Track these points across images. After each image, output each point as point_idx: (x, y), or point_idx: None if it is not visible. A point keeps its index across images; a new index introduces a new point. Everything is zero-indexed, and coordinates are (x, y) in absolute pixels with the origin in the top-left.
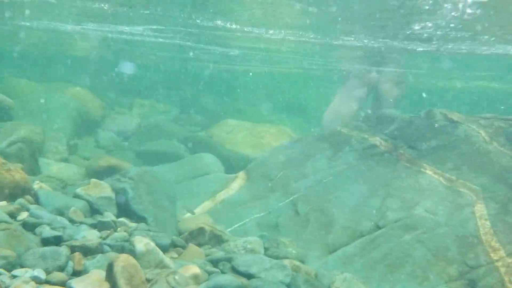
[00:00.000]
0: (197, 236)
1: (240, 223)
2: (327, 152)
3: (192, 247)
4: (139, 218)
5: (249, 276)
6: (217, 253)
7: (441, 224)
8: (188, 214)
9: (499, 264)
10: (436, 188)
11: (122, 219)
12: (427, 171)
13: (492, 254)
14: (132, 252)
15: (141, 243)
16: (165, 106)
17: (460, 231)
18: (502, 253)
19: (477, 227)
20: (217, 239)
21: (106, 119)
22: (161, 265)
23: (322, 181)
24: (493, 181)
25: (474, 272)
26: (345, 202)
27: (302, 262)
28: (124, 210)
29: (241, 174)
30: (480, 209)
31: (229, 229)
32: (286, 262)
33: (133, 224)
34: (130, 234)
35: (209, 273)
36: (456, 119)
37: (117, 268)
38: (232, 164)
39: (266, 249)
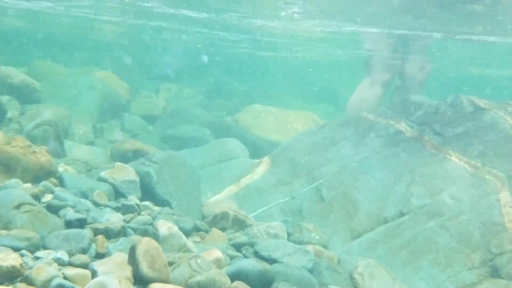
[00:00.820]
0: (221, 220)
1: (264, 208)
2: (352, 138)
3: (215, 231)
4: (163, 202)
5: (272, 261)
6: (240, 237)
7: (465, 211)
8: (213, 199)
9: None
10: (461, 175)
11: (146, 203)
12: (453, 158)
13: None
14: (155, 236)
15: (164, 226)
16: (192, 91)
17: (485, 218)
18: None
19: (502, 214)
20: (241, 224)
21: (132, 103)
22: (184, 248)
23: (347, 167)
24: None
25: (497, 259)
26: (370, 189)
27: (325, 247)
28: (149, 193)
29: (266, 159)
30: (505, 196)
31: (253, 214)
32: (309, 247)
33: (157, 208)
34: (154, 218)
35: (232, 258)
36: (483, 106)
37: (140, 251)
38: (258, 149)
39: (289, 234)
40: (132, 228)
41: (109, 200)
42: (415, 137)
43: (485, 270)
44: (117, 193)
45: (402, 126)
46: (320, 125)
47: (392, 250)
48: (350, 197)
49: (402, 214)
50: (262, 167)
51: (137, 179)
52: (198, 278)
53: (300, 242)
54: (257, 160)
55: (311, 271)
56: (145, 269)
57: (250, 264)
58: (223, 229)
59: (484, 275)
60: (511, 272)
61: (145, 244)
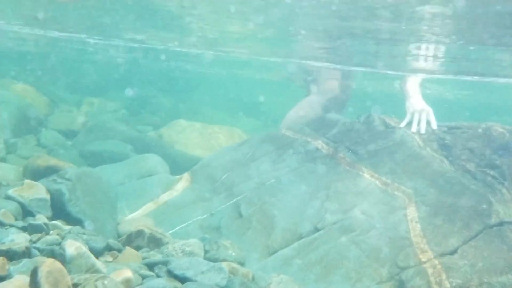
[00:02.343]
0: (136, 238)
1: (182, 225)
2: (271, 154)
3: (128, 250)
4: (76, 221)
5: (185, 279)
6: (155, 256)
7: (375, 226)
8: (130, 216)
9: (427, 265)
10: (373, 191)
11: (56, 222)
12: (365, 175)
13: (421, 256)
14: (62, 256)
15: (72, 246)
16: (115, 105)
17: (393, 233)
18: (430, 254)
19: (408, 229)
20: (157, 242)
21: (50, 117)
22: (92, 269)
23: (266, 183)
24: (425, 185)
25: (403, 273)
26: (287, 205)
27: (242, 264)
28: (60, 212)
29: (186, 175)
30: (412, 211)
31: (171, 232)
32: (224, 264)
33: (68, 227)
34: (63, 238)
35: (144, 277)
36: (393, 124)
37: (42, 273)
38: (181, 165)
39: (206, 251)
40: (38, 249)
41: (16, 219)
42: (330, 154)
43: (392, 284)
44: (26, 212)
45: (319, 143)
46: (241, 141)
47: (306, 265)
48: (267, 214)
49: (316, 230)
50: (182, 184)
51: (48, 197)
52: None
53: (216, 260)
54: (177, 176)
55: None
56: None
57: (161, 284)
58: (138, 248)
59: None
60: (416, 286)
61: (48, 265)
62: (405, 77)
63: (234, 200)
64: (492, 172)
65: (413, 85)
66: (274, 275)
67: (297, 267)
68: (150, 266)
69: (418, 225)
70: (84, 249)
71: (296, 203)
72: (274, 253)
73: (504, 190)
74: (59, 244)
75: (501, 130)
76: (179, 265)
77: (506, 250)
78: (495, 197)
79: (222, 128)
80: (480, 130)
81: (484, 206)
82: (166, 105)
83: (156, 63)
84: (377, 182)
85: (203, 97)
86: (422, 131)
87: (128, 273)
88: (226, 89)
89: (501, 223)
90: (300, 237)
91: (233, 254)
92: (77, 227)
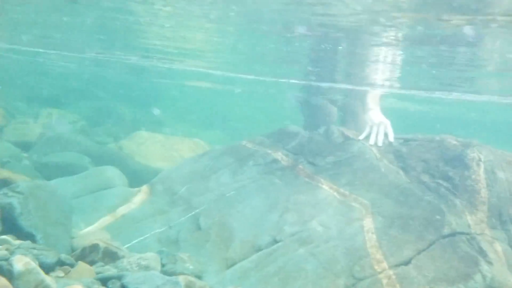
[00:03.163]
0: (90, 253)
1: (140, 239)
2: (231, 166)
3: (81, 265)
4: (27, 235)
5: None
6: (109, 270)
7: (333, 237)
8: (85, 230)
9: (381, 275)
10: (331, 203)
11: (4, 237)
12: (324, 186)
13: (376, 267)
14: (10, 272)
15: (21, 262)
16: (74, 116)
17: (350, 244)
18: (385, 265)
19: (365, 240)
20: (112, 256)
21: (5, 128)
22: (41, 285)
23: (226, 195)
24: (381, 196)
25: (359, 284)
26: (246, 217)
27: (199, 277)
28: (11, 226)
29: (144, 188)
30: (368, 223)
31: (127, 245)
32: (181, 278)
33: (18, 242)
34: (12, 253)
35: None
36: (352, 136)
37: None
38: (142, 177)
39: (163, 265)
40: None
41: None
42: (290, 166)
43: None
44: None
45: (279, 155)
46: (201, 153)
47: (264, 278)
48: (226, 226)
49: (275, 242)
50: (140, 196)
51: None
52: None
53: (173, 273)
54: (135, 189)
55: None
56: None
57: None
58: (93, 262)
59: None
60: None
61: None
62: (365, 92)
63: (193, 213)
64: (445, 184)
65: (372, 99)
66: None
67: (255, 279)
68: (104, 281)
69: (374, 236)
70: (33, 264)
71: (255, 215)
72: (232, 265)
73: (456, 201)
74: (7, 259)
75: (455, 142)
76: (134, 279)
77: (457, 260)
78: (448, 208)
79: (185, 140)
80: (434, 143)
81: (438, 217)
82: (128, 116)
83: (117, 75)
84: (335, 193)
85: (167, 109)
86: (380, 143)
87: None
88: (191, 100)
89: (453, 234)
90: (259, 249)
91: (191, 267)
92: (28, 242)
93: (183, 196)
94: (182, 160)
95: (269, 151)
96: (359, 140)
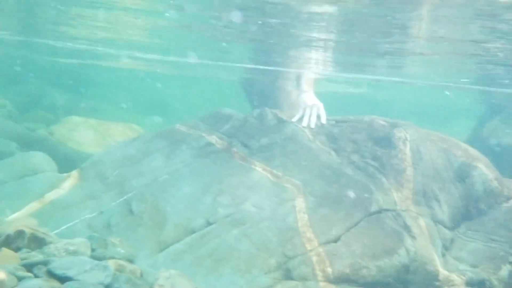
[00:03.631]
0: (15, 239)
1: (69, 225)
2: (164, 150)
3: (5, 251)
4: None
5: (66, 279)
6: (35, 257)
7: (265, 218)
8: (12, 217)
9: (312, 253)
10: (264, 184)
11: None
12: (257, 168)
13: (307, 245)
14: None
15: None
16: (2, 101)
17: (282, 224)
18: (315, 243)
19: (297, 220)
20: (39, 242)
21: None
22: None
23: (158, 179)
24: (313, 177)
25: (290, 262)
26: (180, 200)
27: (131, 261)
28: None
29: (74, 173)
30: (300, 203)
31: (56, 231)
32: (111, 262)
33: None
34: None
35: (20, 279)
36: (285, 119)
37: None
38: (74, 163)
39: (93, 250)
40: None
41: None
42: (224, 148)
43: (280, 273)
44: None
45: (213, 138)
46: (133, 137)
47: (197, 259)
48: (159, 210)
49: (209, 224)
50: (70, 182)
51: None
52: None
53: (103, 258)
54: (65, 174)
55: (108, 286)
56: None
57: (37, 285)
58: (18, 249)
59: (279, 278)
60: (301, 274)
61: None
62: (300, 74)
63: (125, 197)
64: (374, 163)
65: (307, 81)
66: (162, 270)
67: (188, 262)
68: (29, 267)
69: (306, 216)
70: None
71: (189, 198)
72: (165, 248)
73: (384, 180)
74: None
75: (383, 123)
76: (61, 264)
77: (383, 235)
78: (376, 186)
79: (119, 125)
80: (364, 123)
81: (366, 195)
82: (61, 102)
83: (49, 59)
84: (268, 175)
85: (103, 94)
86: (312, 125)
87: (1, 275)
88: (128, 85)
89: (380, 211)
90: (193, 232)
91: (122, 251)
92: None
93: (114, 180)
94: (114, 145)
95: (203, 134)
96: (292, 122)
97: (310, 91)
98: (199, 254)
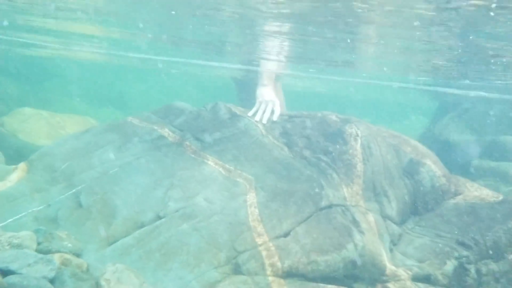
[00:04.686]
0: None
1: (15, 218)
2: (116, 142)
3: None
4: None
5: (9, 273)
6: None
7: (217, 212)
8: None
9: (261, 248)
10: (216, 178)
11: None
12: (209, 162)
13: (257, 239)
14: None
15: None
16: None
17: (233, 218)
18: (265, 237)
19: (247, 214)
20: None
21: None
22: None
23: (109, 173)
24: (265, 171)
25: (240, 257)
26: (130, 194)
27: (78, 255)
28: None
29: (22, 165)
30: (251, 197)
31: (2, 224)
32: (56, 256)
33: None
34: None
35: None
36: (238, 113)
37: None
38: (24, 155)
39: (39, 243)
40: None
41: None
42: (176, 142)
43: (229, 267)
44: None
45: (165, 131)
46: (84, 130)
47: (146, 254)
48: (109, 203)
49: (159, 218)
50: (17, 174)
51: None
52: None
53: (49, 251)
54: (12, 167)
55: (52, 280)
56: None
57: None
58: None
59: (228, 272)
60: (251, 268)
61: None
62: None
63: (74, 190)
64: (325, 158)
65: (267, 76)
66: (109, 265)
67: (137, 256)
68: None
69: (257, 210)
70: None
71: (139, 192)
72: (114, 243)
73: (334, 175)
74: None
75: (335, 118)
76: (3, 258)
77: (333, 230)
78: (327, 181)
79: (73, 117)
80: (317, 119)
81: (316, 190)
82: (13, 92)
83: (2, 47)
84: (220, 169)
85: (58, 86)
86: (264, 121)
87: None
88: (84, 77)
89: (330, 206)
90: (142, 226)
91: (69, 245)
92: None
93: (64, 173)
94: (63, 137)
95: (156, 127)
96: (245, 116)
97: (269, 86)
98: (148, 248)
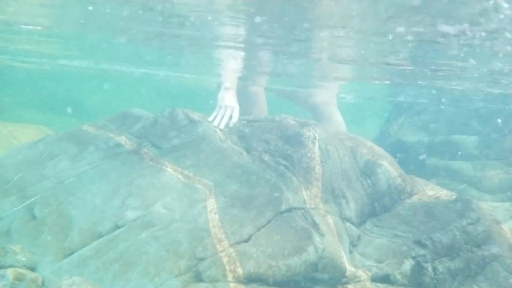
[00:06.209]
0: None
1: None
2: (71, 152)
3: None
4: None
5: None
6: None
7: (176, 219)
8: None
9: (223, 254)
10: (175, 185)
11: None
12: (168, 169)
13: (217, 246)
14: None
15: None
16: None
17: (193, 225)
18: (226, 243)
19: (208, 220)
20: None
21: None
22: None
23: (64, 183)
24: (225, 177)
25: (200, 264)
26: (86, 204)
27: (33, 269)
28: None
29: None
30: (211, 203)
31: None
32: (9, 271)
33: None
34: None
35: None
36: (197, 119)
37: None
38: None
39: None
40: None
41: None
42: (134, 149)
43: (190, 275)
44: None
45: (122, 139)
46: (37, 139)
47: (104, 264)
48: (65, 214)
49: (117, 228)
50: None
51: None
52: None
53: (2, 267)
54: None
55: None
56: None
57: None
58: None
59: (189, 280)
60: (212, 275)
61: None
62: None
63: (27, 202)
64: (284, 162)
65: (230, 77)
66: (66, 277)
67: (94, 267)
68: None
69: (217, 216)
70: None
71: (96, 201)
72: (70, 254)
73: (293, 178)
74: None
75: (293, 122)
76: None
77: (293, 234)
78: (286, 185)
79: (26, 127)
80: (275, 123)
81: (276, 194)
82: None
83: None
84: (179, 176)
85: (10, 94)
86: (221, 126)
87: None
88: (38, 85)
89: (290, 209)
90: (100, 236)
91: (23, 259)
92: None
93: (16, 184)
94: (15, 147)
95: (112, 135)
96: (204, 122)
97: (230, 90)
98: (106, 259)
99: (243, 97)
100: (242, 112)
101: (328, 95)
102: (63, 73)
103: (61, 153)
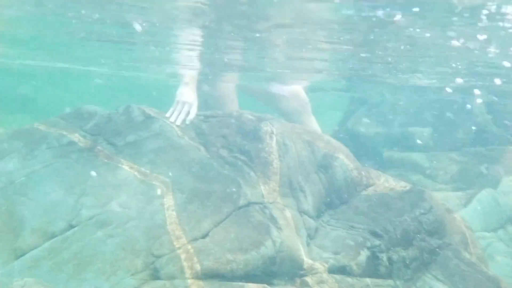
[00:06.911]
0: None
1: None
2: (22, 150)
3: None
4: None
5: None
6: None
7: (132, 217)
8: None
9: (180, 251)
10: (131, 183)
11: None
12: (124, 166)
13: (175, 243)
14: None
15: None
16: None
17: (150, 223)
18: (183, 240)
19: (165, 218)
20: None
21: None
22: None
23: (14, 182)
24: (182, 173)
25: (158, 262)
26: (39, 203)
27: None
28: None
29: None
30: (169, 200)
31: None
32: None
33: None
34: None
35: None
36: (153, 115)
37: None
38: None
39: None
40: None
41: None
42: (88, 147)
43: (147, 273)
44: None
45: (75, 136)
46: None
47: (57, 265)
48: (16, 215)
49: (71, 227)
50: None
51: None
52: None
53: None
54: None
55: None
56: None
57: None
58: None
59: (146, 278)
60: (169, 272)
61: None
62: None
63: None
64: (242, 157)
65: (188, 75)
66: (17, 279)
67: (47, 268)
68: None
69: (174, 213)
70: None
71: (49, 201)
72: (22, 255)
73: (252, 173)
74: None
75: (251, 117)
76: None
77: (251, 229)
78: (244, 180)
79: None
80: (233, 118)
81: (234, 189)
82: None
83: None
84: (136, 173)
85: None
86: (178, 122)
87: None
88: None
89: (248, 204)
90: (53, 236)
91: None
92: None
93: None
94: None
95: (65, 133)
96: (160, 118)
97: (190, 85)
98: (59, 259)
99: (212, 94)
100: (213, 109)
101: (298, 103)
102: (14, 71)
103: (11, 152)
